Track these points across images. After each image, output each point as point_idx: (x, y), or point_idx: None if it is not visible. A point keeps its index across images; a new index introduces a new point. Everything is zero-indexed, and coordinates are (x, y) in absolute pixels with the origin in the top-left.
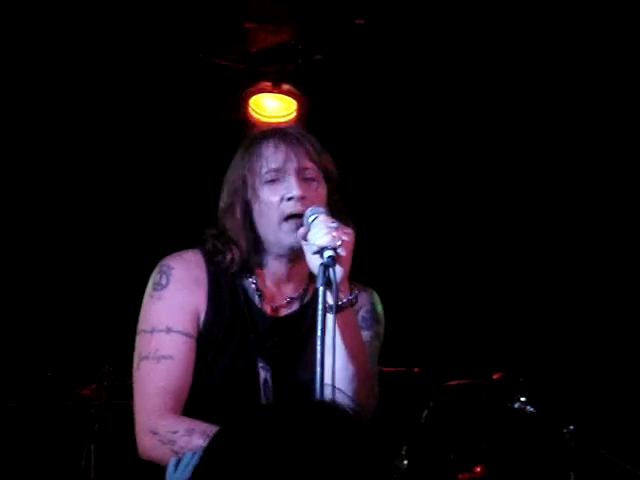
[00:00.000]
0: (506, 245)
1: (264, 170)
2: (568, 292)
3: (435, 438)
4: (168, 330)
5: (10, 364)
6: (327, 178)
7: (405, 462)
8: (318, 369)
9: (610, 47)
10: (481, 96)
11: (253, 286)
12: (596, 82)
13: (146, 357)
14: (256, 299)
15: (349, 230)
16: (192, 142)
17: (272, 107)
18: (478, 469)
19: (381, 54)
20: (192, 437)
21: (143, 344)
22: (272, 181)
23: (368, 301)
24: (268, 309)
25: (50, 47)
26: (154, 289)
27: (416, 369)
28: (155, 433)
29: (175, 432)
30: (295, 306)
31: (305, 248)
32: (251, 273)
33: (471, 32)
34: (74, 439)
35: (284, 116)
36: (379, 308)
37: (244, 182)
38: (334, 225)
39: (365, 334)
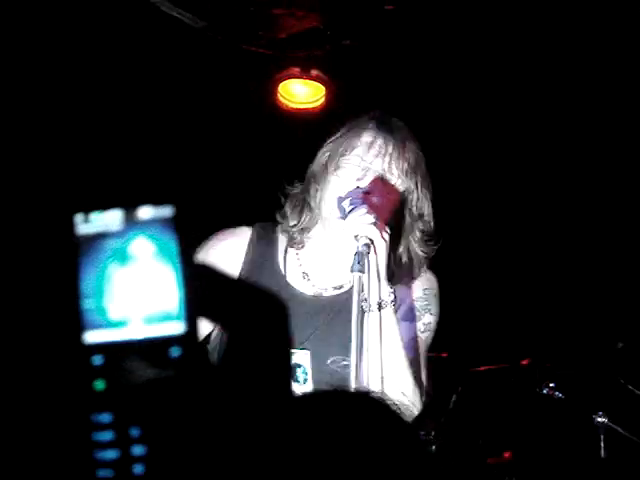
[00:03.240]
0: (535, 227)
1: (354, 151)
2: (597, 276)
3: (463, 423)
4: None
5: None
6: (405, 198)
7: (433, 447)
8: (354, 358)
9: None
10: (514, 82)
11: (300, 265)
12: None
13: None
14: (299, 278)
15: (386, 228)
16: (222, 128)
17: (301, 93)
18: (506, 454)
19: (411, 40)
20: None
21: None
22: (353, 165)
23: (421, 288)
24: (310, 290)
25: (83, 34)
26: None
27: (444, 354)
28: None
29: None
30: (337, 291)
31: (341, 234)
32: (301, 250)
33: (503, 17)
34: None
35: (313, 102)
36: (434, 296)
37: (333, 154)
38: (375, 217)
39: (413, 326)
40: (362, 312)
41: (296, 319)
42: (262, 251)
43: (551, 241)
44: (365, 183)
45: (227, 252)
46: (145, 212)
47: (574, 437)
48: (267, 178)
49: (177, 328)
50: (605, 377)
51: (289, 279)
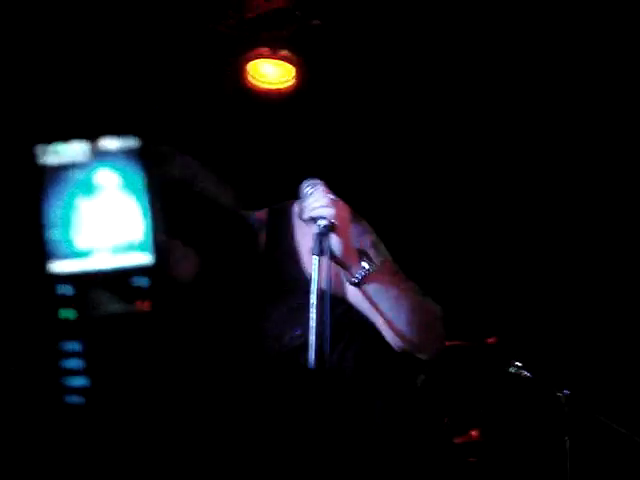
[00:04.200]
0: (499, 209)
1: None
2: (562, 253)
3: (430, 403)
4: None
5: None
6: None
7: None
8: (313, 339)
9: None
10: (481, 67)
11: None
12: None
13: None
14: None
15: (346, 206)
16: (192, 111)
17: (270, 73)
18: (473, 433)
19: (380, 19)
20: None
21: None
22: None
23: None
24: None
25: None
26: None
27: None
28: None
29: None
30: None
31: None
32: None
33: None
34: None
35: (283, 82)
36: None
37: None
38: (333, 197)
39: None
40: (323, 294)
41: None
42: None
43: (515, 219)
44: None
45: None
46: (110, 143)
47: (540, 415)
48: (238, 159)
49: (143, 258)
50: (570, 355)
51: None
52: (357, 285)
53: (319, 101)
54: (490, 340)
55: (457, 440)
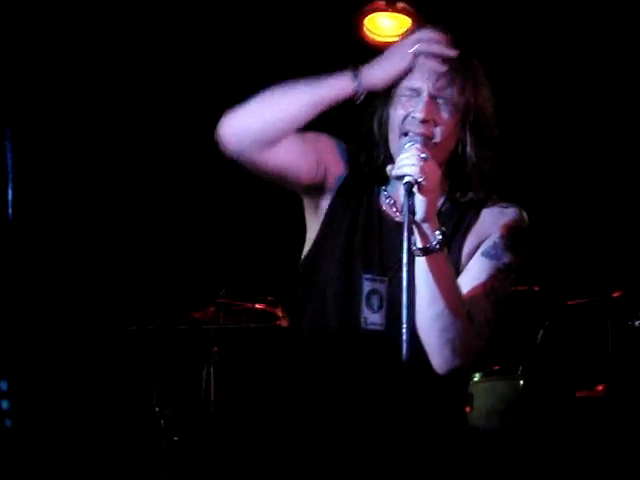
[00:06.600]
0: (623, 159)
1: (403, 84)
2: None
3: (552, 358)
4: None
5: (130, 289)
6: (465, 112)
7: (521, 382)
8: (405, 298)
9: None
10: None
11: (385, 192)
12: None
13: None
14: (386, 205)
15: (436, 168)
16: (311, 66)
17: (387, 26)
18: (599, 387)
19: None
20: None
21: None
22: (406, 96)
23: (507, 225)
24: (396, 217)
25: None
26: None
27: (536, 287)
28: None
29: None
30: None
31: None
32: (387, 179)
33: None
34: (194, 362)
35: (400, 35)
36: (520, 233)
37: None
38: (424, 156)
39: (489, 264)
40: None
41: (384, 245)
42: (355, 173)
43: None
44: (419, 112)
45: (337, 153)
46: None
47: None
48: (355, 114)
49: None
50: None
51: (381, 202)
52: (419, 253)
53: None
54: (615, 294)
55: (581, 394)
